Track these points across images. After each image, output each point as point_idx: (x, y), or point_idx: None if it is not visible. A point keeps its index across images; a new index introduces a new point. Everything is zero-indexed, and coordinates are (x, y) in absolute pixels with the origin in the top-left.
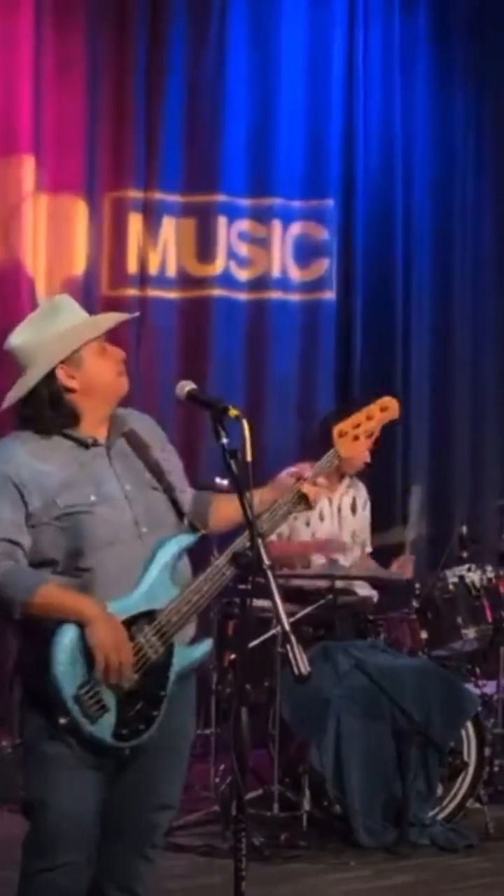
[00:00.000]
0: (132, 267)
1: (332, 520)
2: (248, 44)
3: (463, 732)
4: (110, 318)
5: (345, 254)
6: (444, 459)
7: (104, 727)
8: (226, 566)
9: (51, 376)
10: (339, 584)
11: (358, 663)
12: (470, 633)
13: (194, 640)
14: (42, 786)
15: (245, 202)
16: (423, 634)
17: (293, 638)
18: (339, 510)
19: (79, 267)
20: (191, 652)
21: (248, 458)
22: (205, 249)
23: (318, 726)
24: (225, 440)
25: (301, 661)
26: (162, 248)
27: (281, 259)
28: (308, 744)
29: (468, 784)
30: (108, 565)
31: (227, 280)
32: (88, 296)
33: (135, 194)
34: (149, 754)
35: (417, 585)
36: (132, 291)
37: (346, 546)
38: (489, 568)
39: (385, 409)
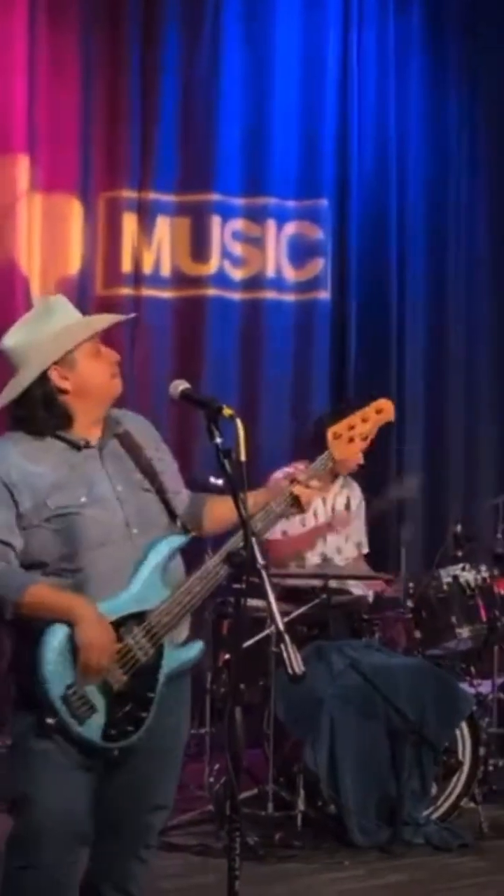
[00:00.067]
0: (126, 266)
1: (327, 519)
2: (243, 43)
3: (457, 732)
4: (104, 320)
5: (339, 254)
6: (438, 459)
7: (92, 728)
8: (218, 567)
9: (44, 377)
10: (333, 583)
11: (352, 663)
12: (464, 632)
13: (187, 642)
14: (27, 783)
15: (239, 202)
16: (418, 634)
17: (287, 637)
18: (334, 510)
19: (73, 266)
20: (181, 653)
21: (243, 457)
22: (199, 249)
23: (313, 726)
24: (219, 440)
25: (295, 661)
26: (156, 247)
27: (275, 259)
28: (302, 743)
29: (463, 783)
30: (98, 566)
31: (221, 280)
32: (83, 295)
33: (129, 194)
34: (143, 755)
35: (412, 585)
36: (126, 291)
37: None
38: (483, 567)
39: (380, 411)
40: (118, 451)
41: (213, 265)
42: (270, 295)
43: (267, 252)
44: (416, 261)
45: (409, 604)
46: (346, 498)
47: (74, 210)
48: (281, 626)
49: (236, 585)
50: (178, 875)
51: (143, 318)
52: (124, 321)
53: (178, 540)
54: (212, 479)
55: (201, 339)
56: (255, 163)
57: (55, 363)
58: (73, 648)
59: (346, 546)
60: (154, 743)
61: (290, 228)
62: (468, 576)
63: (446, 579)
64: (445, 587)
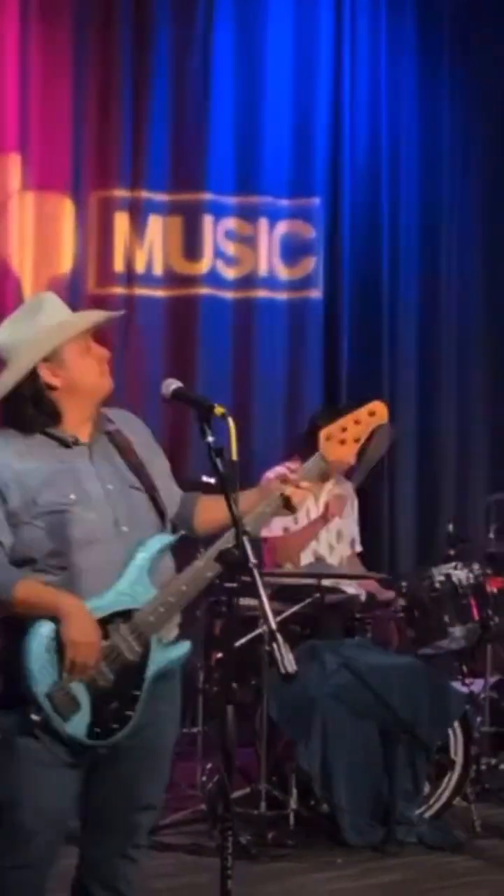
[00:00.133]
0: (119, 265)
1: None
2: (234, 43)
3: (450, 731)
4: (93, 316)
5: (331, 253)
6: (430, 457)
7: (78, 725)
8: (207, 567)
9: (33, 374)
10: (326, 582)
11: (345, 662)
12: (457, 631)
13: (176, 641)
14: (13, 782)
15: (231, 201)
16: (410, 633)
17: (279, 636)
18: (327, 508)
19: (65, 265)
20: (169, 652)
21: (234, 456)
22: (191, 248)
23: (305, 725)
24: (211, 438)
25: (287, 660)
26: (148, 246)
27: (268, 257)
28: (295, 742)
29: (455, 782)
30: (87, 564)
31: (213, 279)
32: (75, 294)
33: (121, 193)
34: (131, 754)
35: (404, 584)
36: (119, 290)
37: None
38: (476, 566)
39: (373, 413)
40: (109, 450)
41: (205, 264)
42: (263, 294)
43: (259, 251)
44: (408, 259)
45: (402, 603)
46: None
47: (66, 209)
48: (273, 625)
49: (228, 584)
50: (171, 874)
51: (136, 318)
52: (115, 319)
53: (167, 539)
54: (204, 478)
55: (194, 338)
56: (248, 162)
57: (44, 360)
58: (60, 645)
59: (338, 544)
60: (142, 742)
61: (283, 227)
62: (461, 575)
63: (439, 578)
64: (438, 586)
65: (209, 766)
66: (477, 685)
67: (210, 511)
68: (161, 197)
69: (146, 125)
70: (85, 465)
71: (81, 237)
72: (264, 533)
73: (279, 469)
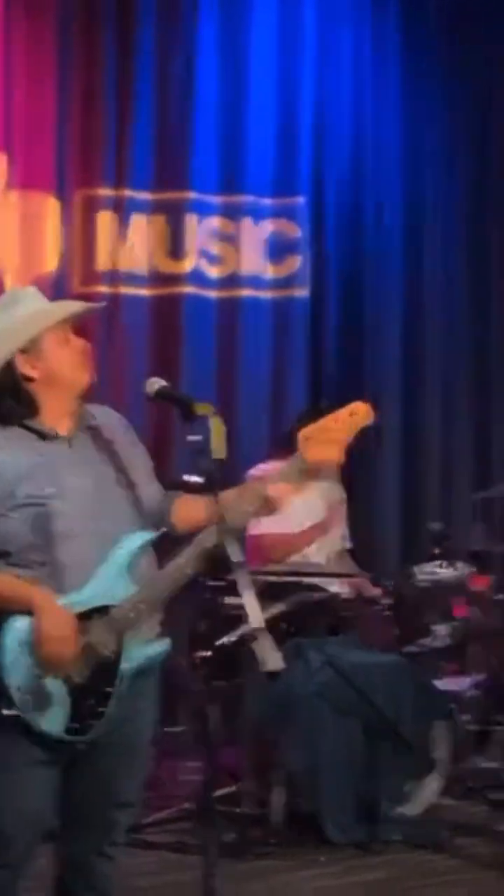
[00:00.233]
0: (103, 264)
1: (305, 516)
2: (218, 42)
3: (434, 729)
4: (70, 306)
5: (316, 251)
6: (415, 456)
7: (53, 721)
8: (188, 564)
9: (10, 365)
10: (310, 580)
11: (329, 660)
12: (441, 629)
13: (154, 638)
14: None
15: (216, 199)
16: (395, 631)
17: (264, 635)
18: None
19: (50, 264)
20: (146, 649)
21: (219, 455)
22: (175, 247)
23: (290, 723)
24: (195, 437)
25: (272, 658)
26: (132, 245)
27: (252, 256)
28: (279, 741)
29: (439, 780)
30: (65, 558)
31: (197, 277)
32: (59, 293)
33: (105, 192)
34: (108, 751)
35: (389, 582)
36: (103, 289)
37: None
38: (461, 564)
39: (354, 414)
40: (89, 444)
41: (189, 263)
42: (247, 293)
43: (243, 250)
44: (392, 259)
45: (387, 601)
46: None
47: (51, 208)
48: (257, 624)
49: (214, 583)
50: (154, 873)
51: (120, 317)
52: (95, 311)
53: (146, 536)
54: (187, 477)
55: (178, 337)
56: (232, 161)
57: (22, 351)
58: (35, 640)
59: (323, 542)
60: (119, 739)
61: (267, 226)
62: (445, 573)
63: (423, 576)
64: (422, 584)
65: (194, 764)
66: (461, 683)
67: (190, 509)
68: (145, 196)
69: (130, 124)
70: (64, 458)
71: (66, 236)
72: (252, 531)
73: (264, 467)
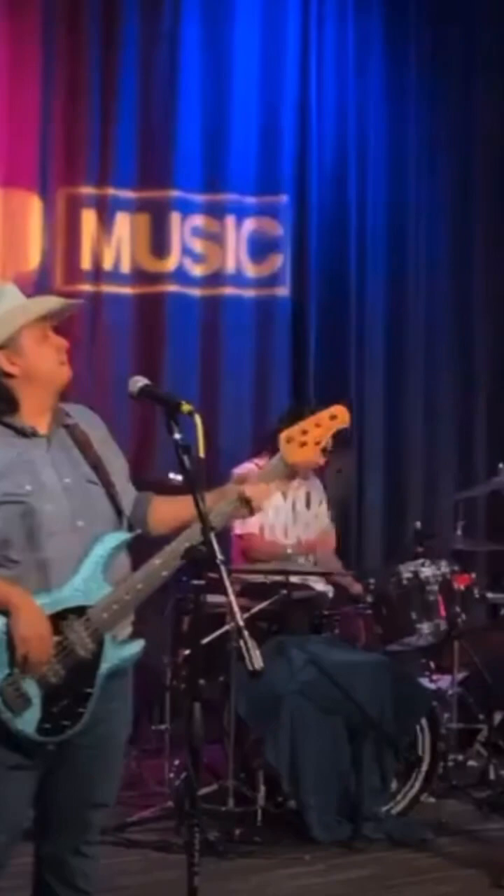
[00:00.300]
0: (86, 263)
1: (287, 514)
2: (202, 39)
3: (417, 727)
4: (49, 302)
5: (299, 250)
6: (398, 456)
7: (27, 721)
8: (163, 566)
9: None
10: (294, 579)
11: (312, 658)
12: (424, 627)
13: (129, 639)
14: None
15: (199, 198)
16: (378, 629)
17: (246, 633)
18: (294, 505)
19: (32, 262)
20: (122, 650)
21: (201, 453)
22: (159, 245)
23: (273, 721)
24: (178, 436)
25: (254, 657)
26: (116, 243)
27: (235, 255)
28: (262, 739)
29: (422, 779)
30: (41, 557)
31: (181, 276)
32: (42, 291)
33: (88, 190)
34: (83, 752)
35: (371, 580)
36: (86, 287)
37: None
38: (443, 563)
39: (334, 417)
40: (67, 443)
41: (172, 261)
42: (230, 291)
43: (226, 248)
44: (375, 258)
45: (369, 599)
46: (306, 493)
47: (33, 206)
48: (240, 622)
49: (196, 581)
50: (138, 871)
51: (103, 315)
52: (74, 308)
53: (123, 536)
54: (171, 476)
55: (161, 335)
56: (215, 159)
57: (1, 347)
58: (10, 640)
59: (305, 537)
60: (95, 740)
61: (250, 224)
62: (428, 572)
63: (406, 575)
64: (405, 583)
65: (177, 762)
66: (444, 682)
67: (164, 511)
68: (128, 194)
69: (113, 122)
70: (42, 456)
71: (49, 234)
72: (238, 530)
73: (248, 465)
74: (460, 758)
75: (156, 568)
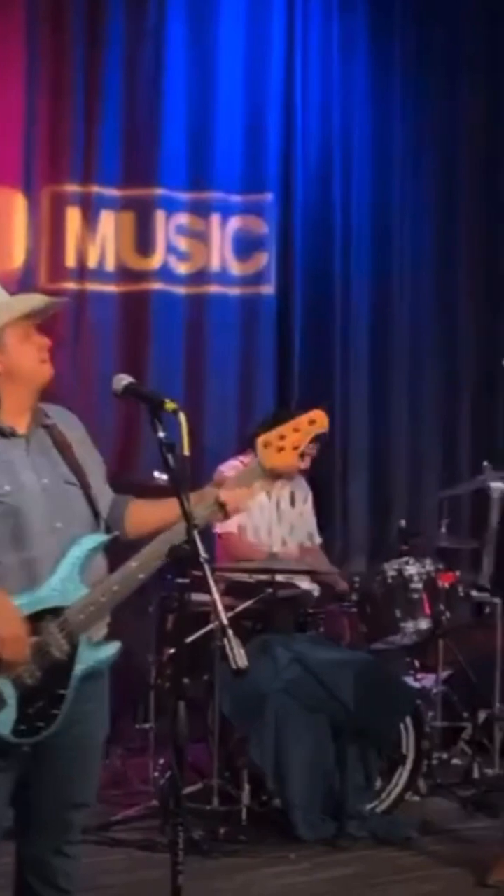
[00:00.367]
0: (70, 261)
1: (271, 513)
2: (187, 37)
3: (402, 725)
4: (32, 300)
5: (284, 248)
6: (383, 454)
7: (3, 722)
8: (140, 568)
9: None
10: (279, 577)
11: (297, 657)
12: (409, 626)
13: (104, 641)
14: None
15: (184, 196)
16: (362, 628)
17: (230, 632)
18: (278, 504)
19: (17, 260)
20: (97, 652)
21: (186, 451)
22: (143, 243)
23: (258, 720)
24: (162, 434)
25: (238, 655)
26: (100, 241)
27: (220, 253)
28: (247, 738)
29: (407, 777)
30: (18, 558)
31: (165, 274)
32: (26, 289)
33: (73, 188)
34: (61, 754)
35: (356, 579)
36: (71, 285)
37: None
38: (428, 561)
39: (313, 422)
40: (45, 443)
41: (157, 259)
42: (215, 289)
43: (211, 246)
44: (360, 257)
45: (354, 598)
46: (290, 493)
47: (18, 204)
48: (224, 621)
49: (180, 580)
50: (122, 870)
51: (88, 313)
52: (58, 307)
53: (100, 538)
54: (156, 474)
55: (146, 333)
56: (200, 157)
57: None
58: None
59: (291, 539)
60: (72, 741)
61: (235, 222)
62: (413, 570)
63: (391, 573)
64: (390, 581)
65: (161, 761)
66: (428, 680)
67: (141, 514)
68: (113, 192)
69: (98, 120)
70: (21, 456)
71: (33, 232)
72: (217, 529)
73: (233, 463)
74: (444, 756)
75: (132, 571)
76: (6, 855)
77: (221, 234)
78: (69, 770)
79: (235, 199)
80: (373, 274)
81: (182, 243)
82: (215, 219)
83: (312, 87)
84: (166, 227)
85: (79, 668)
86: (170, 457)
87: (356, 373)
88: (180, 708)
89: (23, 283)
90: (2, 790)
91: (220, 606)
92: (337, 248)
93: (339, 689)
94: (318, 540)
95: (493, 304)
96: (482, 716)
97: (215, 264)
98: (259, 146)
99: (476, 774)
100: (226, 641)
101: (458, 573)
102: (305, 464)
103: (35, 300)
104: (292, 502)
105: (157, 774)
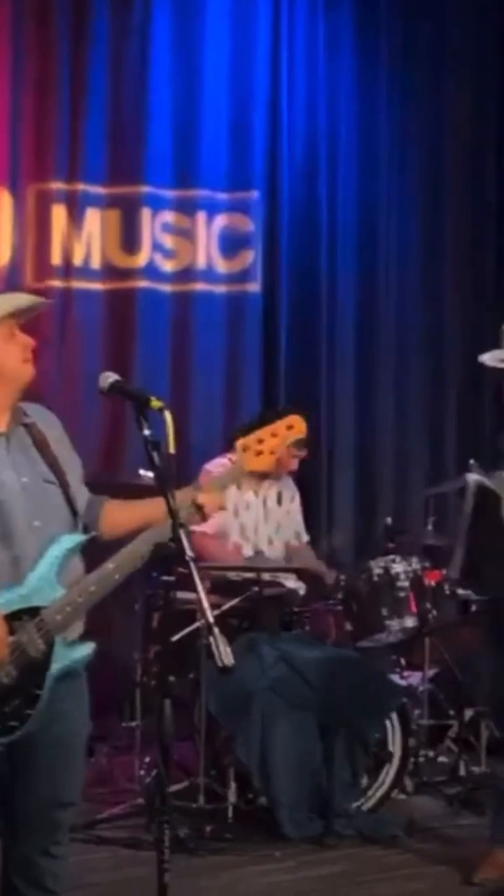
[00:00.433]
0: (56, 258)
1: (258, 511)
2: (172, 34)
3: (388, 723)
4: (17, 299)
5: (270, 246)
6: (369, 452)
7: None
8: (117, 569)
9: None
10: (265, 575)
11: (283, 655)
12: (395, 624)
13: (79, 640)
14: None
15: (169, 194)
16: (348, 626)
17: (216, 630)
18: (265, 502)
19: (3, 258)
20: (72, 652)
21: (172, 449)
22: (129, 241)
23: (244, 718)
24: (148, 432)
25: (224, 653)
26: (86, 239)
27: (206, 251)
28: (233, 736)
29: (393, 775)
30: (8, 555)
31: (151, 272)
32: (12, 287)
33: (59, 185)
34: (43, 753)
35: (342, 577)
36: (57, 283)
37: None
38: (414, 559)
39: (291, 427)
40: (25, 441)
41: (143, 257)
42: (201, 287)
43: (197, 244)
44: (346, 254)
45: (340, 596)
46: (278, 492)
47: (3, 202)
48: (210, 619)
49: (166, 577)
50: (108, 868)
51: (74, 311)
52: (43, 307)
53: (79, 538)
54: (141, 472)
55: (132, 331)
56: (186, 155)
57: None
58: None
59: (277, 538)
60: (52, 739)
61: (221, 220)
62: (399, 568)
63: (377, 571)
64: (376, 579)
65: (147, 759)
66: (415, 678)
67: (117, 516)
68: (99, 190)
69: (84, 118)
70: (1, 455)
71: (19, 230)
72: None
73: (220, 460)
74: (431, 754)
75: (109, 572)
76: None
77: (207, 231)
78: (52, 769)
79: (221, 196)
80: (359, 271)
81: (168, 241)
82: (201, 216)
83: (298, 84)
84: (152, 225)
85: (55, 667)
86: (155, 455)
87: (342, 370)
88: (166, 706)
89: (8, 280)
90: None
91: (205, 604)
92: (323, 246)
93: (325, 688)
94: (305, 538)
95: (480, 300)
96: (468, 713)
97: (201, 262)
98: (245, 143)
99: (462, 772)
100: (212, 639)
101: (444, 571)
102: (294, 465)
103: (20, 300)
104: (279, 501)
105: (143, 772)
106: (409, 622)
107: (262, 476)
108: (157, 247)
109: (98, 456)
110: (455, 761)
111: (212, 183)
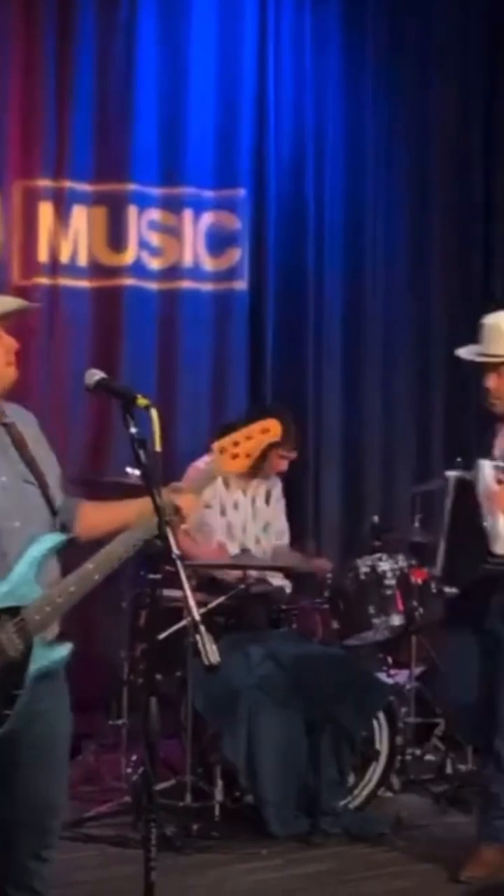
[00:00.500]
0: (43, 256)
1: (246, 510)
2: (159, 31)
3: (375, 721)
4: (4, 303)
5: (257, 243)
6: (355, 449)
7: None
8: (96, 570)
9: None
10: (252, 573)
11: (270, 653)
12: (381, 622)
13: (56, 641)
14: None
15: (156, 191)
16: (335, 624)
17: (202, 627)
18: (254, 501)
19: None
20: (51, 653)
21: (158, 447)
22: (116, 239)
23: (230, 716)
24: (134, 429)
25: (211, 651)
26: (73, 236)
27: (192, 248)
28: (220, 734)
29: (380, 773)
30: None
31: (138, 269)
32: None
33: (45, 183)
34: (26, 753)
35: (329, 575)
36: (43, 281)
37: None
38: (401, 557)
39: (266, 431)
40: (4, 441)
41: (130, 255)
42: (187, 285)
43: (184, 242)
44: (332, 251)
45: (327, 594)
46: (266, 490)
47: None
48: (197, 617)
49: (152, 576)
50: (95, 866)
51: (60, 308)
52: (30, 310)
53: (58, 538)
54: (128, 470)
55: (118, 328)
56: (172, 152)
57: None
58: None
59: (265, 536)
60: (33, 740)
61: (208, 218)
62: (385, 566)
63: (364, 569)
64: (363, 577)
65: (134, 758)
66: (402, 676)
67: (92, 518)
68: (85, 187)
69: (70, 115)
70: None
71: (5, 227)
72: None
73: (207, 458)
74: (418, 752)
75: (89, 572)
76: None
77: (194, 229)
78: (35, 769)
79: (208, 194)
80: (346, 269)
81: (154, 239)
82: (188, 214)
83: (285, 82)
84: (139, 223)
85: (33, 667)
86: (141, 452)
87: (329, 368)
88: (153, 704)
89: None
90: None
91: (192, 602)
92: (310, 244)
93: (311, 686)
94: (285, 539)
95: (467, 298)
96: None
97: (188, 260)
98: (231, 141)
99: (449, 770)
100: (198, 637)
101: (429, 570)
102: (283, 467)
103: (6, 303)
104: (267, 500)
105: (129, 771)
106: (396, 620)
107: (251, 475)
108: (143, 244)
109: (84, 453)
110: (442, 759)
111: (198, 180)
